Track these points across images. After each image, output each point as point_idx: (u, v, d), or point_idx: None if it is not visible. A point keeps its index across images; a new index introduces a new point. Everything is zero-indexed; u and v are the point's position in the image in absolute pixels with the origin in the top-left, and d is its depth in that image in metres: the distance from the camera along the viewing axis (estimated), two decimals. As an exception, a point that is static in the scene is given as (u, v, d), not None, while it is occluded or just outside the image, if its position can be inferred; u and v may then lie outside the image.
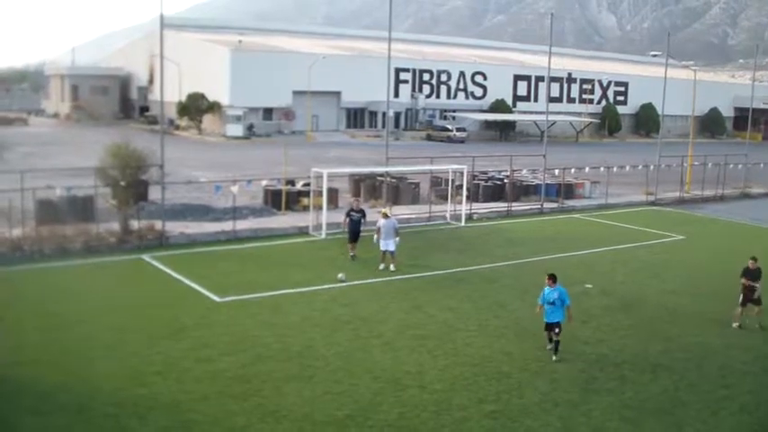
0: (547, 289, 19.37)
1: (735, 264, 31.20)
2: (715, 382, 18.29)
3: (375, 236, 27.69)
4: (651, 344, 20.68)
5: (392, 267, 27.27)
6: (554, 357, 18.91)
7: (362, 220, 28.80)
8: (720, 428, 15.80)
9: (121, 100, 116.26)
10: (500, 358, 18.79)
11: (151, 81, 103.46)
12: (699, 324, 22.74)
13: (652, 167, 48.90)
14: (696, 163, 53.64)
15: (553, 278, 19.41)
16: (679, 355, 19.96)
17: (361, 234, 28.75)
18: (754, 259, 23.05)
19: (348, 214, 28.90)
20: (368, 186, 41.48)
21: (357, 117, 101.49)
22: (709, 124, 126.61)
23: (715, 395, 17.46)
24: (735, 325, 22.50)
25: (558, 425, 15.49)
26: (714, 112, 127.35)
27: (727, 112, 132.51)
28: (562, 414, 16.00)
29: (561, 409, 16.28)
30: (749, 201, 51.89)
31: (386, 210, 29.49)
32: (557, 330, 19.06)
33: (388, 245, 27.26)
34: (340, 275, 25.31)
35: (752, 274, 22.73)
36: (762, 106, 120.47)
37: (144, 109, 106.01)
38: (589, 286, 26.21)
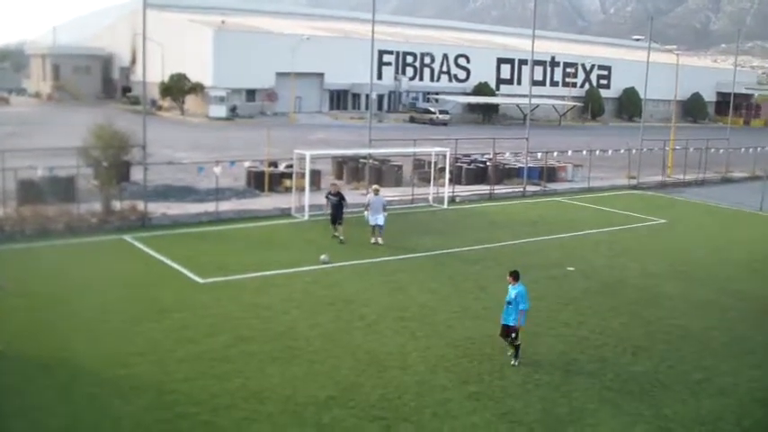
0: (510, 287, 17.79)
1: (716, 247, 31.60)
2: (695, 363, 18.45)
3: (365, 212, 28.78)
4: (632, 326, 20.84)
5: (380, 241, 28.36)
6: (513, 362, 17.45)
7: (343, 203, 28.68)
8: (700, 410, 15.95)
9: (103, 80, 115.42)
10: (482, 340, 18.85)
11: (133, 61, 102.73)
12: (679, 307, 22.91)
13: (634, 151, 49.12)
14: (678, 147, 53.88)
15: (515, 275, 17.75)
16: (659, 337, 20.13)
17: (344, 216, 28.72)
18: None
19: (326, 197, 29.20)
20: (351, 168, 41.46)
21: (340, 99, 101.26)
22: (692, 109, 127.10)
23: (694, 377, 17.63)
24: None
25: (538, 406, 15.59)
26: (696, 97, 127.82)
27: (710, 96, 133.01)
28: (543, 395, 16.12)
29: (542, 390, 16.39)
30: (730, 185, 52.21)
31: (376, 186, 30.49)
32: (512, 335, 17.50)
33: (378, 219, 28.44)
34: (323, 257, 25.34)
35: None
36: (744, 91, 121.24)
37: (126, 89, 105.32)
38: (571, 269, 26.35)
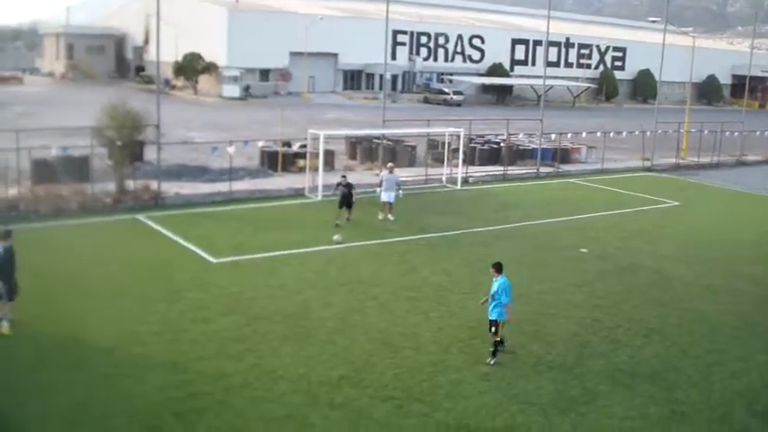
0: (493, 279, 16.90)
1: (729, 230, 31.48)
2: (706, 347, 18.44)
3: (378, 189, 29.08)
4: (645, 309, 20.82)
5: (390, 217, 28.70)
6: (489, 360, 16.56)
7: (353, 193, 28.35)
8: (711, 393, 15.95)
9: (117, 59, 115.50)
10: None
11: (147, 41, 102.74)
12: (692, 290, 22.87)
13: (648, 133, 48.90)
14: (692, 130, 53.59)
15: (497, 267, 16.91)
16: (672, 320, 20.11)
17: (354, 201, 28.52)
18: None
19: (337, 186, 28.83)
20: (364, 149, 41.43)
21: (354, 79, 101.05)
22: (707, 91, 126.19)
23: (706, 360, 17.62)
24: None
25: (551, 387, 15.62)
26: (711, 80, 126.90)
27: (725, 79, 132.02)
28: (555, 377, 16.15)
29: (555, 372, 16.42)
30: (744, 168, 51.94)
31: (391, 164, 30.69)
32: (492, 330, 16.70)
33: (390, 196, 28.74)
34: (336, 237, 25.39)
35: None
36: (759, 74, 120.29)
37: (139, 69, 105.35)
38: (584, 251, 26.33)
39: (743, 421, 15.02)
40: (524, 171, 42.31)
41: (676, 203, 36.45)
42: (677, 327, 19.66)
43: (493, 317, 16.64)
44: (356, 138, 42.57)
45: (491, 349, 16.70)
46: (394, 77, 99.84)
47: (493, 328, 16.65)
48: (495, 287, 16.66)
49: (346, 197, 28.05)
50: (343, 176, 28.85)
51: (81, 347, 16.29)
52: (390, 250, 25.22)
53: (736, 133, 54.28)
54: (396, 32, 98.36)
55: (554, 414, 14.62)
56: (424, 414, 14.30)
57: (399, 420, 14.03)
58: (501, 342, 16.85)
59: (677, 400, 15.50)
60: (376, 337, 17.58)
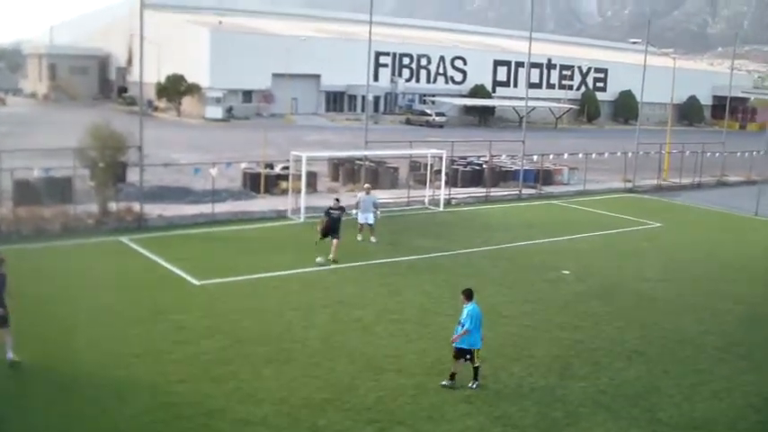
0: (463, 306, 16.56)
1: (711, 251, 31.69)
2: (689, 367, 18.52)
3: (354, 210, 28.99)
4: (627, 330, 20.89)
5: (373, 239, 28.68)
6: (471, 385, 16.33)
7: (341, 217, 27.01)
8: (694, 413, 16.01)
9: (100, 80, 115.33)
10: None
11: (130, 62, 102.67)
12: (674, 310, 22.98)
13: (630, 154, 49.21)
14: (674, 151, 53.93)
15: (467, 294, 16.57)
16: (654, 341, 20.18)
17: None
18: None
19: (327, 213, 26.82)
20: (346, 170, 41.49)
21: (337, 100, 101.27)
22: (688, 112, 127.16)
23: (689, 381, 17.68)
24: None
25: (534, 410, 15.63)
26: (693, 101, 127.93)
27: (706, 100, 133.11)
28: (538, 399, 16.16)
29: (538, 394, 16.44)
30: (726, 188, 52.30)
31: (368, 185, 30.74)
32: (467, 357, 16.27)
33: (368, 218, 28.66)
34: (319, 259, 25.34)
35: None
36: (740, 95, 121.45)
37: (122, 90, 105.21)
38: (566, 272, 26.41)
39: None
40: (507, 192, 42.46)
41: (658, 224, 36.65)
42: (659, 347, 19.73)
43: (463, 345, 16.22)
44: (339, 159, 42.64)
45: (473, 386, 16.34)
46: (376, 99, 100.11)
47: (468, 356, 16.23)
48: (464, 314, 16.32)
49: (335, 222, 26.44)
50: (337, 200, 27.65)
51: (64, 370, 16.20)
52: (373, 272, 25.23)
53: (717, 154, 54.67)
54: (378, 54, 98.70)
55: (537, 436, 14.66)
56: (408, 437, 14.31)
57: (382, 443, 14.03)
58: (474, 373, 16.40)
59: (660, 421, 15.55)
60: (359, 360, 17.57)
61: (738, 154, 55.80)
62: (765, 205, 41.63)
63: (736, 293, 25.19)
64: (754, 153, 55.14)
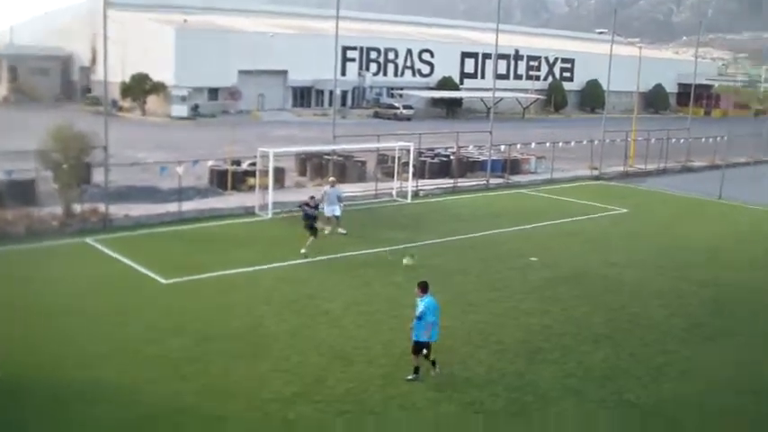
0: (418, 300, 16.46)
1: (677, 235, 32.00)
2: (655, 349, 18.73)
3: (321, 204, 28.60)
4: (594, 315, 21.08)
5: (341, 230, 28.74)
6: (433, 372, 16.37)
7: (315, 214, 26.76)
8: (660, 394, 16.20)
9: (63, 81, 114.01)
10: (443, 333, 18.62)
11: (94, 61, 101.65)
12: (641, 295, 23.21)
13: (597, 142, 49.53)
14: (640, 138, 54.33)
15: (423, 287, 16.51)
16: (621, 325, 20.39)
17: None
18: None
19: (302, 207, 26.84)
20: (314, 165, 41.39)
21: (304, 96, 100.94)
22: (654, 100, 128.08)
23: (655, 362, 17.89)
24: None
25: (504, 395, 15.75)
26: (658, 89, 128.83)
27: (671, 87, 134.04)
28: (508, 384, 16.29)
29: (507, 379, 16.57)
30: (691, 174, 52.82)
31: (333, 178, 30.95)
32: (425, 351, 16.16)
33: (334, 210, 28.87)
34: (406, 260, 24.29)
35: None
36: (704, 82, 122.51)
37: (86, 90, 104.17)
38: (534, 259, 26.56)
39: (693, 421, 15.27)
40: (474, 183, 42.56)
41: (624, 210, 36.94)
42: (627, 331, 19.92)
43: (421, 338, 16.06)
44: (306, 154, 42.52)
45: (435, 373, 16.33)
46: (344, 93, 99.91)
47: (424, 350, 16.07)
48: (420, 307, 16.11)
49: (309, 218, 26.37)
50: (312, 197, 27.39)
51: (30, 372, 16.06)
52: (342, 265, 25.23)
53: (682, 140, 55.12)
54: (345, 48, 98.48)
55: (508, 421, 14.74)
56: (379, 428, 14.32)
57: (352, 434, 14.07)
58: (431, 364, 16.35)
59: (628, 402, 15.76)
60: (328, 352, 17.58)
61: (703, 140, 56.27)
62: (729, 189, 42.17)
63: (701, 277, 25.47)
64: (718, 138, 55.63)
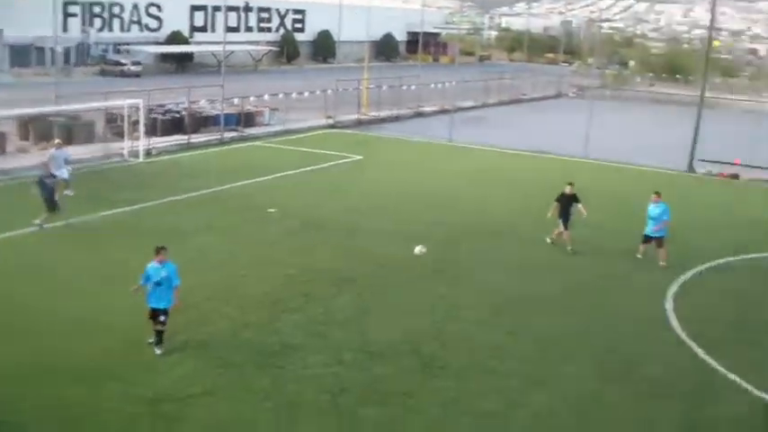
0: (152, 266, 15.63)
1: (408, 180, 33.25)
2: (396, 288, 19.50)
3: (48, 166, 26.39)
4: (336, 261, 21.51)
5: (69, 192, 26.70)
6: (157, 351, 15.42)
7: (54, 185, 24.88)
8: (400, 330, 16.89)
9: None
10: (186, 290, 17.38)
11: None
12: (378, 239, 23.92)
13: (330, 92, 50.15)
14: (373, 86, 55.58)
15: (162, 250, 15.71)
16: (362, 269, 20.94)
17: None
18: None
19: (40, 182, 24.53)
20: (38, 128, 38.95)
21: (23, 55, 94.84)
22: (384, 49, 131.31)
23: (398, 301, 18.69)
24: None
25: (248, 347, 15.77)
26: (388, 38, 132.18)
27: (401, 36, 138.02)
28: (252, 336, 16.34)
29: (251, 331, 16.60)
30: (423, 119, 54.77)
31: (58, 140, 28.91)
32: (161, 318, 15.41)
33: (62, 173, 26.99)
34: (418, 248, 22.17)
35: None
36: (432, 30, 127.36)
37: None
38: (272, 210, 26.58)
39: (432, 352, 16.01)
40: (209, 138, 41.79)
41: (359, 157, 37.79)
42: (368, 276, 20.48)
43: (161, 305, 15.37)
44: (28, 117, 39.92)
45: (151, 341, 15.58)
46: (67, 51, 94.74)
47: (161, 317, 15.34)
48: (162, 273, 15.37)
49: (51, 191, 24.26)
50: (45, 164, 25.80)
51: None
52: (76, 231, 23.83)
53: (413, 87, 57.00)
54: (66, 3, 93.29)
55: (253, 372, 14.78)
56: (122, 391, 13.86)
57: (96, 401, 13.52)
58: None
59: (371, 341, 16.23)
60: (66, 323, 16.71)
61: (432, 85, 58.47)
62: (458, 132, 44.24)
63: (433, 219, 26.62)
64: (446, 84, 58.02)
